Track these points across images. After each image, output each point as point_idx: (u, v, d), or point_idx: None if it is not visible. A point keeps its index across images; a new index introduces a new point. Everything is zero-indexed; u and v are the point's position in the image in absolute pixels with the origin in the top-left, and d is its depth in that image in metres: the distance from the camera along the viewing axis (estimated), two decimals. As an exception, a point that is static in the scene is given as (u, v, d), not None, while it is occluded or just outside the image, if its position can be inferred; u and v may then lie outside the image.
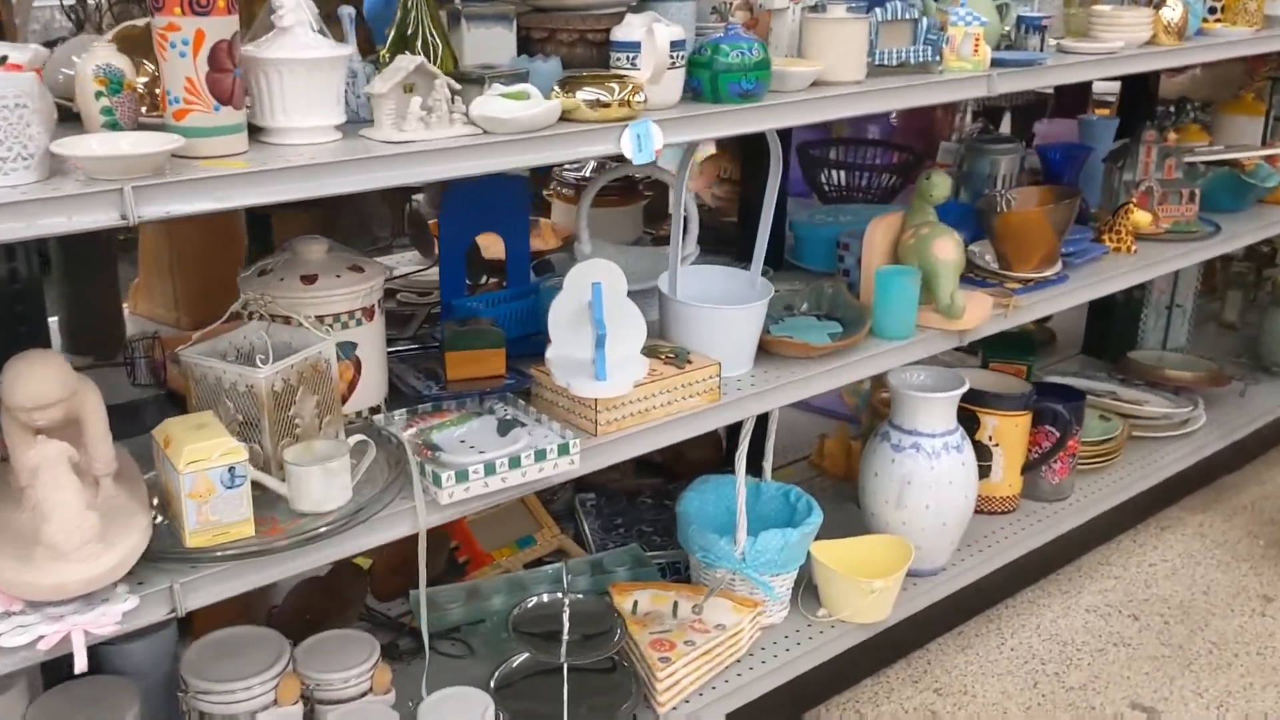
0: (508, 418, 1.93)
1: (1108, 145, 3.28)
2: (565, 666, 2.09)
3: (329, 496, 1.65)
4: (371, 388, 1.95)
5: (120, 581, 1.49)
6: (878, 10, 2.17)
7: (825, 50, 2.09)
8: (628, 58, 1.84)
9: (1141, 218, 2.97)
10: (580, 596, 2.26)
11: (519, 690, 2.18)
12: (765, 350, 2.25)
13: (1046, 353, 3.85)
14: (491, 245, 2.46)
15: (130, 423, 1.84)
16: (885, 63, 2.19)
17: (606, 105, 1.74)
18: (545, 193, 3.07)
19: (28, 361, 1.49)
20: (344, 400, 1.90)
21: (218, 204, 1.41)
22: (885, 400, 2.77)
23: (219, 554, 1.55)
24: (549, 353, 1.97)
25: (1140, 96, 3.53)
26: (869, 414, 3.05)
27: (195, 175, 1.40)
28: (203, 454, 1.52)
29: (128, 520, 1.52)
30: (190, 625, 2.04)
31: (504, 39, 1.88)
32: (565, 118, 1.74)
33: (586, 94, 1.74)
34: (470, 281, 2.45)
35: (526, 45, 1.92)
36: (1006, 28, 2.50)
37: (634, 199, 2.92)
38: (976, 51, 2.26)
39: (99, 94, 1.46)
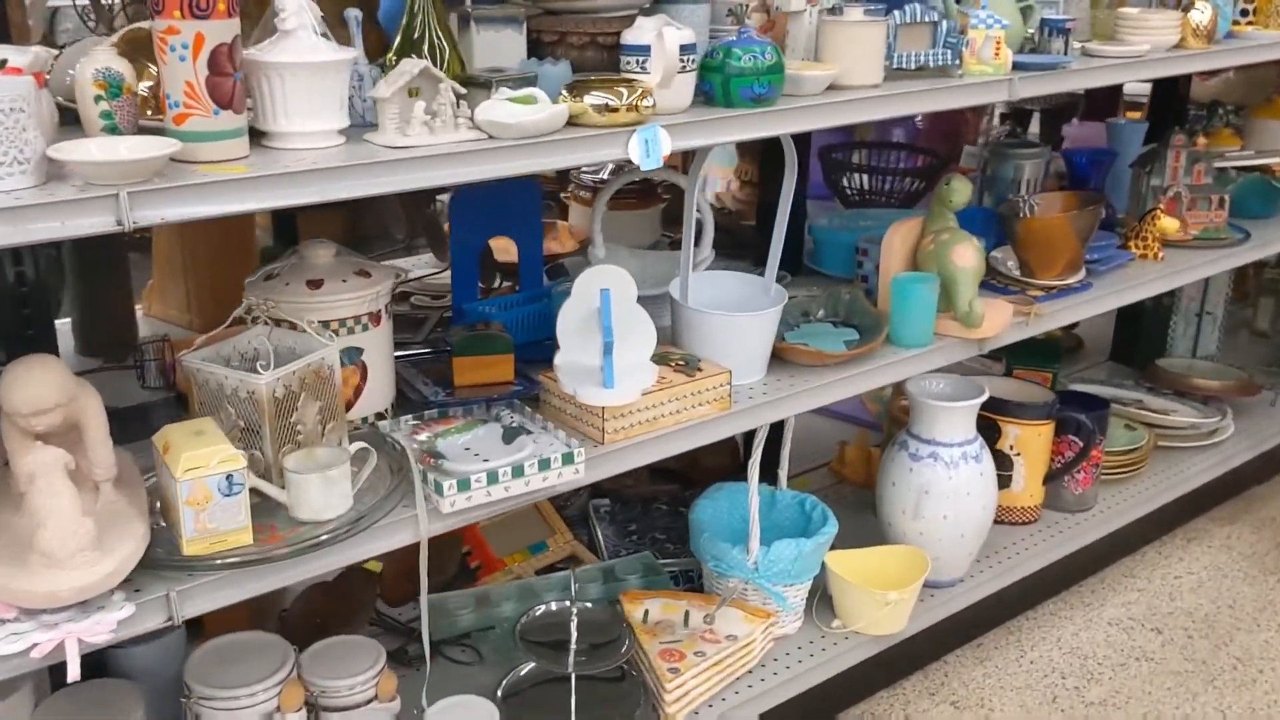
0: (514, 425, 1.91)
1: (1136, 149, 3.23)
2: (573, 676, 2.07)
3: (329, 505, 1.64)
4: (378, 393, 1.94)
5: (117, 588, 1.48)
6: (896, 13, 2.13)
7: (842, 53, 2.06)
8: (637, 61, 1.82)
9: (1169, 224, 2.92)
10: (589, 605, 2.24)
11: (526, 699, 2.16)
12: (779, 357, 2.22)
13: (1073, 359, 3.80)
14: (506, 247, 2.45)
15: (140, 425, 1.84)
16: (904, 66, 2.16)
17: (614, 110, 1.72)
18: (563, 195, 3.04)
19: (26, 366, 1.48)
20: (350, 406, 1.89)
21: (214, 209, 1.40)
22: (905, 408, 2.74)
23: (217, 562, 1.54)
24: (557, 359, 1.95)
25: (1171, 100, 3.47)
26: (889, 422, 3.01)
27: (192, 180, 1.38)
28: (200, 461, 1.51)
29: (125, 527, 1.51)
30: (201, 628, 2.04)
31: (514, 42, 1.86)
32: (572, 122, 1.71)
33: (594, 98, 1.71)
34: (484, 284, 2.43)
35: (537, 48, 1.90)
36: (1030, 30, 2.46)
37: (652, 202, 2.89)
38: (997, 55, 2.22)
39: (98, 98, 1.45)
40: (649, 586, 2.43)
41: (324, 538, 1.61)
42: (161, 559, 1.54)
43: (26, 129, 1.32)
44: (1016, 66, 2.27)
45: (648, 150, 1.74)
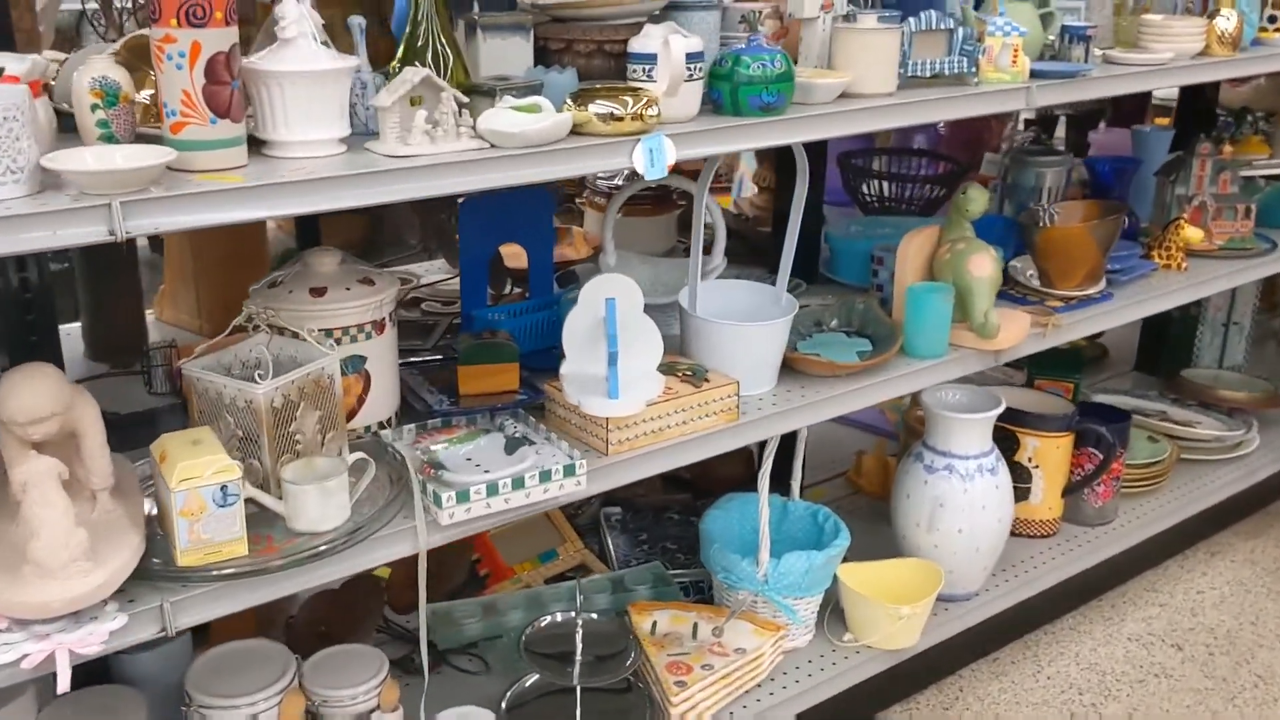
0: (516, 435, 1.90)
1: (1162, 157, 3.18)
2: (578, 688, 2.05)
3: (326, 516, 1.63)
4: (381, 402, 1.93)
5: (111, 599, 1.47)
6: (911, 20, 2.10)
7: (855, 61, 2.04)
8: (644, 69, 1.80)
9: (1193, 234, 2.87)
10: (595, 616, 2.21)
11: (531, 711, 2.15)
12: (790, 368, 2.19)
13: (1097, 369, 3.75)
14: (517, 253, 2.43)
15: (146, 431, 1.83)
16: (918, 74, 2.13)
17: (619, 119, 1.70)
18: (578, 200, 3.02)
19: (23, 375, 1.48)
20: (353, 415, 1.88)
21: (208, 219, 1.39)
22: (921, 419, 2.70)
23: (211, 573, 1.53)
24: (563, 369, 1.93)
25: (1199, 106, 3.41)
26: (905, 432, 2.98)
27: (186, 190, 1.37)
28: (195, 471, 1.50)
29: (120, 537, 1.50)
30: (207, 634, 2.03)
31: (521, 49, 1.84)
32: (576, 131, 1.70)
33: (599, 107, 1.69)
34: (494, 291, 2.42)
35: (544, 56, 1.89)
36: (1050, 37, 2.42)
37: (667, 208, 2.87)
38: (1015, 62, 2.18)
39: (94, 106, 1.44)
40: (658, 597, 2.41)
41: (321, 549, 1.60)
42: (157, 569, 1.53)
43: (20, 138, 1.32)
44: (1035, 74, 2.24)
45: (652, 160, 1.72)
